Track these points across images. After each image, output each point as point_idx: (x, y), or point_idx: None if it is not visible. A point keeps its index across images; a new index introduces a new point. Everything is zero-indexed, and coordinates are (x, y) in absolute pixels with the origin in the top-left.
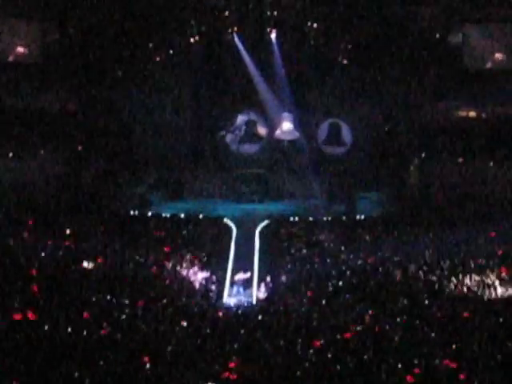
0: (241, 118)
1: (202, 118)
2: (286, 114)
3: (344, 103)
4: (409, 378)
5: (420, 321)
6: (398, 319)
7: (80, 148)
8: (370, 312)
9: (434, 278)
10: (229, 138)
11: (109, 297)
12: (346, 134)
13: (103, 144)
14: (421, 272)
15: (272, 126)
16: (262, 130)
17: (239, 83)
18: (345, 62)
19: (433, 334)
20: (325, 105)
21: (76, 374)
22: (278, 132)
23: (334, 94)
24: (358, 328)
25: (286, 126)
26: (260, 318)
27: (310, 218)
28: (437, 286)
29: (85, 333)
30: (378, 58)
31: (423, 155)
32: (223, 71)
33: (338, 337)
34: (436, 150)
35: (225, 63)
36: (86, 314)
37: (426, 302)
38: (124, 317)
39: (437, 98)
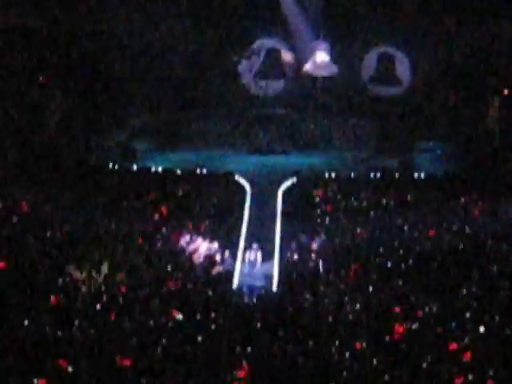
0: (260, 43)
1: (206, 41)
2: (319, 42)
3: (399, 25)
4: None
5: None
6: (468, 315)
7: (41, 78)
8: (430, 305)
9: None
10: (243, 66)
11: (80, 280)
12: (403, 68)
13: (72, 73)
14: (500, 250)
15: (302, 58)
16: (288, 62)
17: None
18: None
19: None
20: (372, 28)
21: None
22: (309, 65)
23: (385, 12)
24: (413, 327)
25: (321, 57)
26: (281, 310)
27: (352, 175)
28: None
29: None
30: None
31: (506, 93)
32: None
33: (387, 338)
34: None
35: None
36: (53, 299)
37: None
38: (99, 308)
39: None
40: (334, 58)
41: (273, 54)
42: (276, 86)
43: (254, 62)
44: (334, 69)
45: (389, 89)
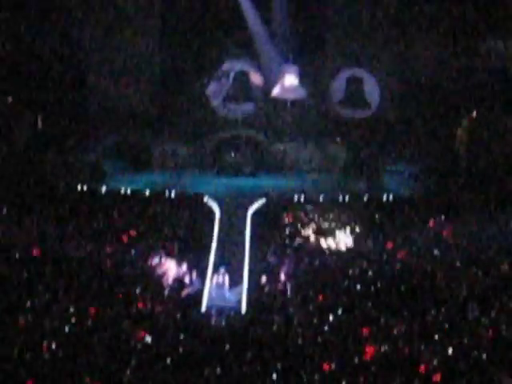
0: (229, 65)
1: (176, 64)
2: (288, 66)
3: (367, 47)
4: None
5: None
6: (437, 337)
7: (10, 98)
8: (399, 326)
9: (490, 282)
10: (211, 88)
11: (47, 300)
12: (371, 90)
13: (42, 93)
14: (470, 271)
15: (270, 81)
16: (257, 85)
17: (226, 19)
18: None
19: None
20: (341, 50)
21: None
22: (277, 89)
23: (354, 35)
24: (383, 348)
25: (289, 80)
26: (250, 332)
27: (321, 198)
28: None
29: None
30: None
31: (474, 114)
32: (206, 5)
33: (356, 360)
34: (493, 106)
35: None
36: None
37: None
38: (68, 329)
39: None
40: (303, 82)
41: (242, 77)
42: (245, 108)
43: (223, 84)
44: (303, 92)
45: (357, 112)
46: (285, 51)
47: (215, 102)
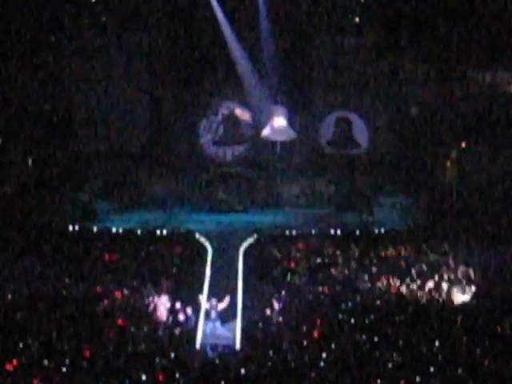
0: (218, 106)
1: (165, 103)
2: (277, 107)
3: (356, 90)
4: None
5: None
6: (432, 370)
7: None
8: (395, 360)
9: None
10: (201, 132)
11: (39, 342)
12: (360, 131)
13: (32, 134)
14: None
15: (259, 123)
16: (246, 127)
17: (216, 62)
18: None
19: None
20: (330, 93)
21: None
22: (267, 131)
23: (343, 78)
24: (378, 382)
25: (278, 122)
26: (245, 369)
27: (313, 233)
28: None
29: None
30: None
31: (463, 145)
32: (194, 44)
33: None
34: (482, 139)
35: (195, 31)
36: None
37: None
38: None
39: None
40: (292, 123)
41: (231, 119)
42: (236, 151)
43: (212, 127)
44: (292, 134)
45: (346, 151)
46: (273, 93)
47: (205, 146)
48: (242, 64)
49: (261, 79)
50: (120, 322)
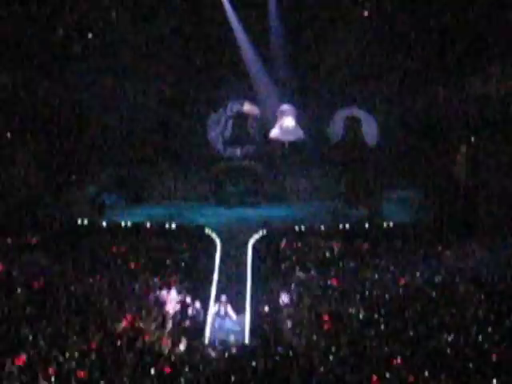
0: (227, 106)
1: (175, 98)
2: (285, 107)
3: (366, 86)
4: None
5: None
6: (440, 363)
7: (9, 134)
8: (403, 354)
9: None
10: (211, 132)
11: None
12: (370, 129)
13: (40, 129)
14: (471, 298)
15: (268, 123)
16: (255, 127)
17: (225, 58)
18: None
19: None
20: (339, 90)
21: None
22: (275, 131)
23: (352, 74)
24: (388, 377)
25: (287, 122)
26: (254, 363)
27: (322, 227)
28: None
29: None
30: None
31: (473, 140)
32: (204, 41)
33: None
34: (492, 133)
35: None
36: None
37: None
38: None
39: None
40: (301, 122)
41: (241, 120)
42: (245, 151)
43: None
44: (301, 134)
45: (355, 148)
46: (283, 92)
47: (214, 140)
48: (252, 62)
49: (270, 77)
50: (126, 315)
